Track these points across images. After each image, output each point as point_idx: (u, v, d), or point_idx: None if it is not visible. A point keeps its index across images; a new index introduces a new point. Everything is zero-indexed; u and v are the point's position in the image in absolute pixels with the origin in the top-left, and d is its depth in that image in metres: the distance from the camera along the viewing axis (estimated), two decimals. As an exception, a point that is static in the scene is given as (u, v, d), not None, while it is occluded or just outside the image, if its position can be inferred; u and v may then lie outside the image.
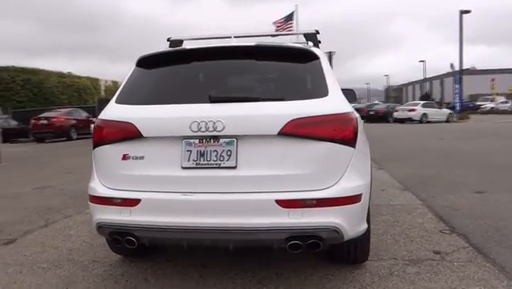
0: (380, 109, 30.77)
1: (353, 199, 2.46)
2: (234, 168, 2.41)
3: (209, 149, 2.45)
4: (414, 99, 54.08)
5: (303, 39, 3.69)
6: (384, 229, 3.84)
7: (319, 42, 3.95)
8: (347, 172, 2.46)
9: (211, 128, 2.40)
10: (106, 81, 36.44)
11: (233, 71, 2.82)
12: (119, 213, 2.50)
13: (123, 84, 2.85)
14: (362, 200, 2.52)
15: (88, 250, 3.49)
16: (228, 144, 2.43)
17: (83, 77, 34.50)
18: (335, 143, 2.43)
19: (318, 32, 3.41)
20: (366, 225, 2.64)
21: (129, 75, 2.88)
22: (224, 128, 2.40)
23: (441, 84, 60.29)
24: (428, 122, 25.77)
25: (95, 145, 2.66)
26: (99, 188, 2.60)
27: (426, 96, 48.50)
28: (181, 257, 3.26)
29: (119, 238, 2.53)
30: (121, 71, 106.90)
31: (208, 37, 3.50)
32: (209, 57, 2.80)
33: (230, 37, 3.42)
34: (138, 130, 2.51)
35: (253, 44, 2.74)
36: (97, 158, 2.67)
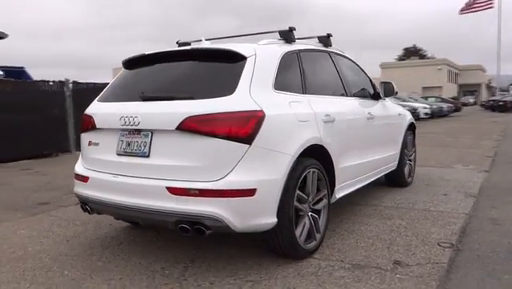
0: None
1: (242, 193, 2.62)
2: (147, 157, 2.84)
3: (133, 140, 2.93)
4: None
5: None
6: (377, 233, 3.65)
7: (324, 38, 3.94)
8: (237, 167, 2.63)
9: (131, 123, 2.87)
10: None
11: (169, 72, 3.18)
12: (79, 187, 3.22)
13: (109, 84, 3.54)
14: (256, 195, 2.65)
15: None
16: (145, 136, 2.87)
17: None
18: (225, 139, 2.61)
19: (292, 29, 3.45)
20: (270, 220, 2.75)
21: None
22: (140, 122, 2.84)
23: None
24: None
25: (80, 133, 3.42)
26: (77, 167, 3.35)
27: None
28: (167, 231, 3.80)
29: (83, 206, 3.24)
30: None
31: (211, 38, 3.87)
32: (158, 60, 3.23)
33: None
34: (94, 122, 3.16)
35: (189, 48, 3.07)
36: (80, 143, 3.42)
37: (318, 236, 3.22)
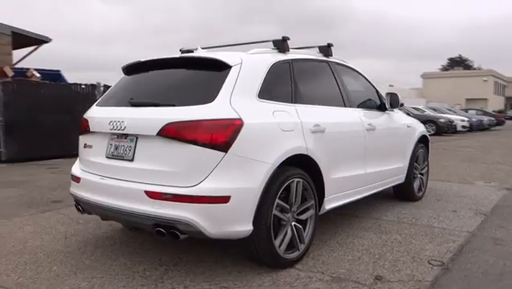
0: None
1: (215, 200, 2.66)
2: (131, 160, 2.94)
3: (121, 144, 3.03)
4: None
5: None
6: (368, 247, 3.59)
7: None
8: (212, 174, 2.67)
9: (118, 127, 2.98)
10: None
11: (159, 79, 3.27)
12: (73, 187, 3.36)
13: (109, 89, 3.68)
14: (230, 202, 2.68)
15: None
16: (131, 140, 2.97)
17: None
18: (201, 146, 2.67)
19: (286, 39, 3.47)
20: (246, 228, 2.77)
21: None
22: (125, 127, 2.95)
23: None
24: None
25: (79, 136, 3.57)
26: (73, 168, 3.50)
27: None
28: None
29: (76, 206, 3.37)
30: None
31: (217, 45, 3.93)
32: (152, 67, 3.33)
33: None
34: (89, 125, 3.30)
35: (177, 56, 3.16)
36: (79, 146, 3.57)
37: (302, 246, 3.21)
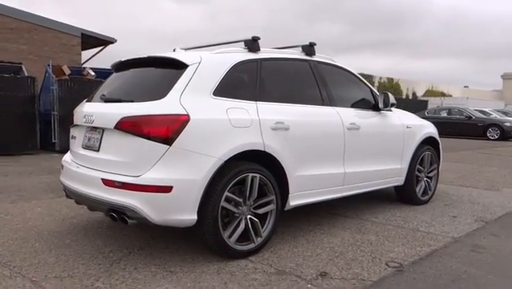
0: None
1: (158, 189, 2.87)
2: (97, 151, 3.24)
3: (92, 136, 3.35)
4: None
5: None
6: (334, 245, 3.61)
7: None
8: (156, 165, 2.89)
9: (89, 121, 3.30)
10: (380, 78, 36.94)
11: (130, 77, 3.53)
12: (60, 174, 3.74)
13: (101, 86, 4.02)
14: (173, 192, 2.88)
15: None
16: (99, 133, 3.27)
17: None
18: (147, 139, 2.90)
19: (256, 39, 3.57)
20: (189, 218, 2.95)
21: (109, 78, 4.02)
22: (93, 120, 3.26)
23: None
24: None
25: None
26: (64, 157, 3.89)
27: None
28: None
29: (64, 190, 3.75)
30: (421, 67, 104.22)
31: (198, 46, 4.15)
32: (129, 66, 3.60)
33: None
34: (73, 119, 3.67)
35: (146, 56, 3.41)
36: None
37: (258, 239, 3.31)
